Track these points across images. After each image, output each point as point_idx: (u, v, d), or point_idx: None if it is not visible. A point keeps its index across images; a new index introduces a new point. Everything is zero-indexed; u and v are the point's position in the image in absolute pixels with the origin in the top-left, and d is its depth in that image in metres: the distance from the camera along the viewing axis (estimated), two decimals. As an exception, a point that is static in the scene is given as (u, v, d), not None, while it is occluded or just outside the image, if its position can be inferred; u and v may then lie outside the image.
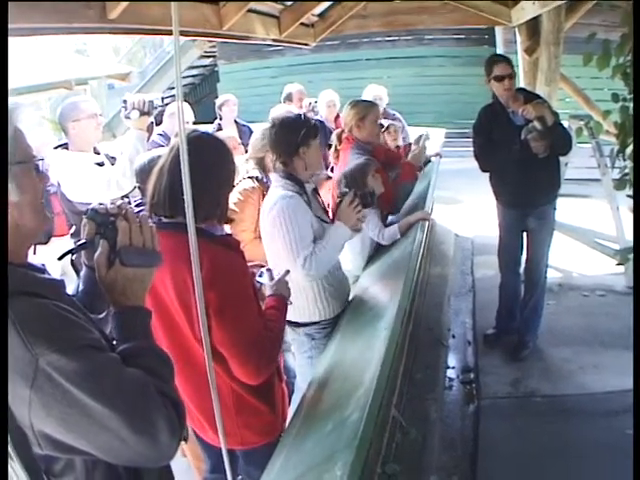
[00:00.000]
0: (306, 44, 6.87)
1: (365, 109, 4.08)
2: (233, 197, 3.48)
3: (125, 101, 3.75)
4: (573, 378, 4.11)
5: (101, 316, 1.58)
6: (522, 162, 3.98)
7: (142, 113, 3.71)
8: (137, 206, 3.18)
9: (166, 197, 2.13)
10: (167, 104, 5.74)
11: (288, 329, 3.19)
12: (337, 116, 6.34)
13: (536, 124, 3.86)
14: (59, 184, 3.75)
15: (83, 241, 1.53)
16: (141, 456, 1.28)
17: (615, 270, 5.08)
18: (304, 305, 3.11)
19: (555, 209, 4.39)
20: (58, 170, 3.73)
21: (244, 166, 3.81)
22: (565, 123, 5.85)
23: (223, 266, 2.10)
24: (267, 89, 10.97)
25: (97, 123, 3.87)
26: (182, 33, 4.28)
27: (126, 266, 1.43)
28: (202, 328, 1.65)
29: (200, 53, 11.57)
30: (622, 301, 5.00)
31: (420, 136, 4.90)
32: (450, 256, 6.34)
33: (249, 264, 2.37)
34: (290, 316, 3.02)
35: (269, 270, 2.61)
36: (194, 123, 6.40)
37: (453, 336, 4.79)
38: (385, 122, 5.50)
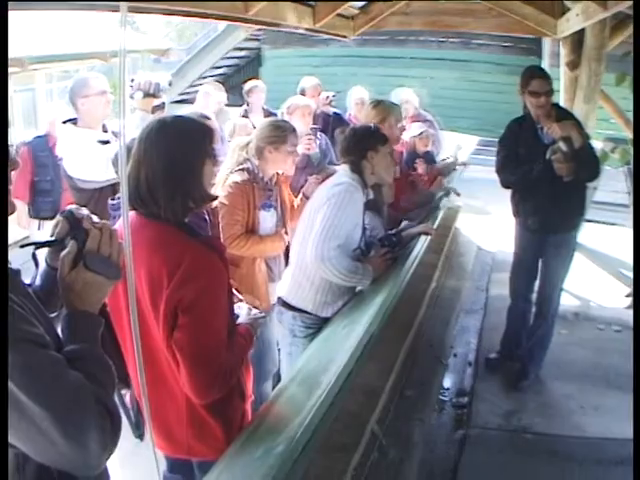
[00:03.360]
0: (344, 36, 6.70)
1: (385, 110, 3.93)
2: (224, 189, 3.40)
3: (132, 80, 3.66)
4: (570, 418, 3.87)
5: (53, 315, 1.55)
6: (545, 183, 3.77)
7: (146, 94, 3.64)
8: None
9: (140, 191, 2.00)
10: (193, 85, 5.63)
11: (276, 312, 3.33)
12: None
13: (561, 145, 3.63)
14: (61, 159, 3.72)
15: (53, 239, 1.57)
16: (68, 462, 1.26)
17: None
18: (304, 287, 3.15)
19: (576, 237, 4.16)
20: (62, 145, 3.72)
21: (235, 156, 3.65)
22: (599, 144, 5.60)
23: (202, 265, 1.98)
24: None
25: (106, 100, 3.79)
26: (203, 16, 4.17)
27: (88, 270, 1.45)
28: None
29: (246, 35, 11.46)
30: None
31: (457, 147, 4.84)
32: (468, 270, 6.12)
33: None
34: (285, 291, 3.24)
35: (249, 307, 2.50)
36: (228, 105, 6.33)
37: (455, 355, 4.59)
38: (419, 127, 5.39)
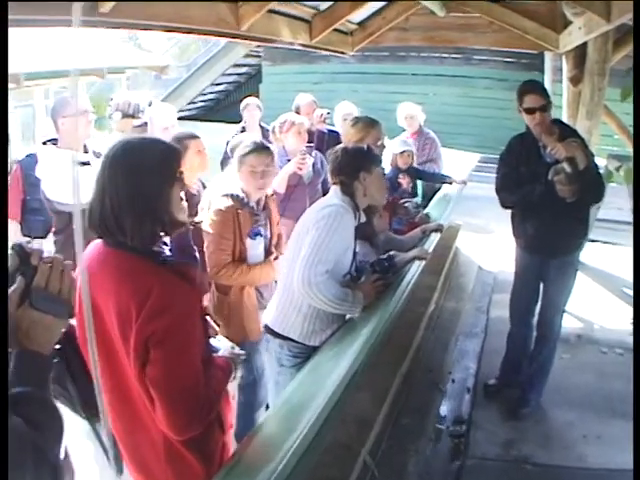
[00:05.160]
0: (342, 52, 6.64)
1: (365, 129, 3.82)
2: (209, 216, 3.36)
3: (112, 99, 3.57)
4: (573, 447, 3.70)
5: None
6: (546, 204, 3.60)
7: (125, 115, 3.54)
8: None
9: (105, 218, 1.88)
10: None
11: (263, 340, 3.18)
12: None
13: (565, 166, 3.44)
14: (40, 181, 3.66)
15: None
16: None
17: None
18: (291, 314, 3.01)
19: (579, 259, 4.02)
20: (41, 166, 3.66)
21: (220, 183, 3.58)
22: (603, 161, 5.46)
23: (172, 296, 1.85)
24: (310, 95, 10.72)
25: (87, 120, 3.73)
26: (193, 32, 4.10)
27: (34, 308, 1.38)
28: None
29: (246, 52, 11.41)
30: None
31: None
32: (468, 291, 5.94)
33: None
34: (271, 318, 3.08)
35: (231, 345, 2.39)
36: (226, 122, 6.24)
37: (453, 381, 4.40)
38: (400, 145, 5.31)
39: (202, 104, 12.43)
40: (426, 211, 4.73)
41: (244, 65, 12.33)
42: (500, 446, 3.71)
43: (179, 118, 11.65)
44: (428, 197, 5.62)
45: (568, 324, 4.43)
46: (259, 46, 11.28)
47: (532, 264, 4.00)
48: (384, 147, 3.96)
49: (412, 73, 11.16)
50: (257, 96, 10.80)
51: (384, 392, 3.41)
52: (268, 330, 3.11)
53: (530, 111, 3.68)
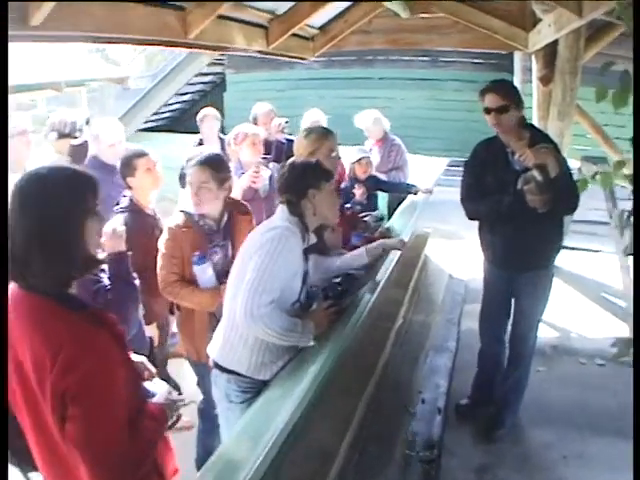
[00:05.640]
0: (303, 58, 6.39)
1: (317, 141, 3.54)
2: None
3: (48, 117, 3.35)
4: (552, 470, 3.52)
5: None
6: (515, 216, 3.38)
7: (61, 135, 3.31)
8: None
9: (15, 258, 1.68)
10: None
11: (212, 374, 2.89)
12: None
13: (535, 174, 3.20)
14: None
15: None
16: None
17: (620, 334, 4.49)
18: (237, 347, 2.73)
19: (553, 273, 3.78)
20: None
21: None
22: (577, 164, 5.27)
23: (86, 347, 1.66)
24: (274, 102, 10.42)
25: (27, 140, 3.52)
26: (132, 42, 3.85)
27: None
28: None
29: (210, 60, 11.14)
30: (622, 374, 4.15)
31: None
32: (438, 301, 5.69)
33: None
34: (216, 352, 2.81)
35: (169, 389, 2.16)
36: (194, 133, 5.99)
37: (423, 401, 4.12)
38: (357, 153, 5.04)
39: (168, 114, 12.14)
40: (389, 224, 4.49)
41: (209, 74, 12.08)
42: (474, 471, 3.51)
43: (145, 129, 11.43)
44: (393, 207, 5.37)
45: (542, 334, 4.24)
46: (222, 54, 11.06)
47: (501, 279, 3.78)
48: (339, 158, 3.72)
49: (379, 77, 10.93)
50: (221, 105, 10.61)
51: (347, 419, 3.19)
52: (214, 364, 2.86)
53: (487, 111, 3.46)
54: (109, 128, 4.20)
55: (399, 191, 5.43)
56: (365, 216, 3.96)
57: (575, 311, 5.35)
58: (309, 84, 11.09)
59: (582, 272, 5.97)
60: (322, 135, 3.59)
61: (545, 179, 3.17)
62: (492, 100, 3.42)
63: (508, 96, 3.43)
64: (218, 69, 11.96)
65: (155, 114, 11.58)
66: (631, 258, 3.96)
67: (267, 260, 2.54)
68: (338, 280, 3.01)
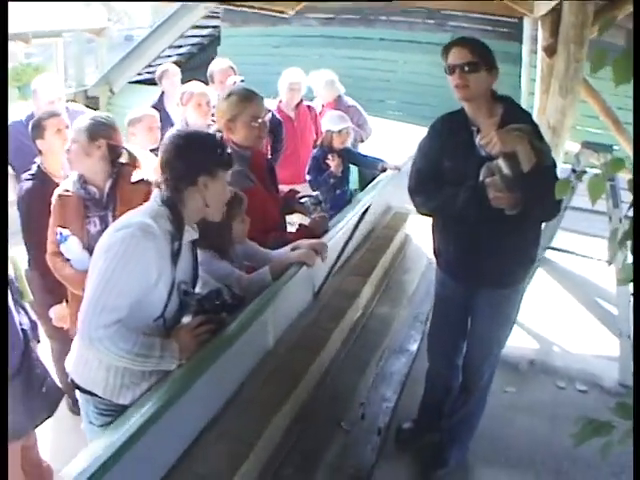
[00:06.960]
0: (281, 12, 5.79)
1: (240, 104, 2.95)
2: None
3: None
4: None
5: None
6: (476, 215, 2.62)
7: None
8: None
9: None
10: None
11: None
12: (300, 102, 5.20)
13: (501, 164, 2.47)
14: None
15: None
16: None
17: (610, 353, 3.84)
18: (91, 364, 2.18)
19: (523, 291, 3.09)
20: None
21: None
22: (575, 148, 4.57)
23: None
24: (269, 59, 10.04)
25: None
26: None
27: None
28: None
29: (206, 12, 10.48)
30: (606, 404, 3.27)
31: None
32: (409, 292, 4.93)
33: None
34: (72, 367, 2.28)
35: None
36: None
37: (362, 416, 3.36)
38: (339, 121, 4.69)
39: (163, 67, 11.55)
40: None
41: (206, 27, 11.44)
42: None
43: (138, 81, 10.83)
44: (366, 183, 4.75)
45: (519, 343, 3.60)
46: (218, 7, 10.42)
47: (456, 292, 3.03)
48: (266, 126, 3.09)
49: (380, 38, 10.17)
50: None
51: (251, 440, 2.63)
52: (71, 380, 2.28)
53: (450, 70, 2.64)
54: (48, 84, 4.13)
55: (367, 166, 4.86)
56: (302, 197, 3.33)
57: (561, 316, 4.63)
58: (306, 41, 10.38)
59: (575, 269, 5.27)
60: (244, 98, 2.97)
61: (514, 172, 2.44)
62: (458, 55, 2.62)
63: (478, 53, 2.62)
64: (216, 22, 11.28)
65: (149, 66, 10.96)
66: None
67: (112, 268, 1.94)
68: (215, 289, 2.34)
